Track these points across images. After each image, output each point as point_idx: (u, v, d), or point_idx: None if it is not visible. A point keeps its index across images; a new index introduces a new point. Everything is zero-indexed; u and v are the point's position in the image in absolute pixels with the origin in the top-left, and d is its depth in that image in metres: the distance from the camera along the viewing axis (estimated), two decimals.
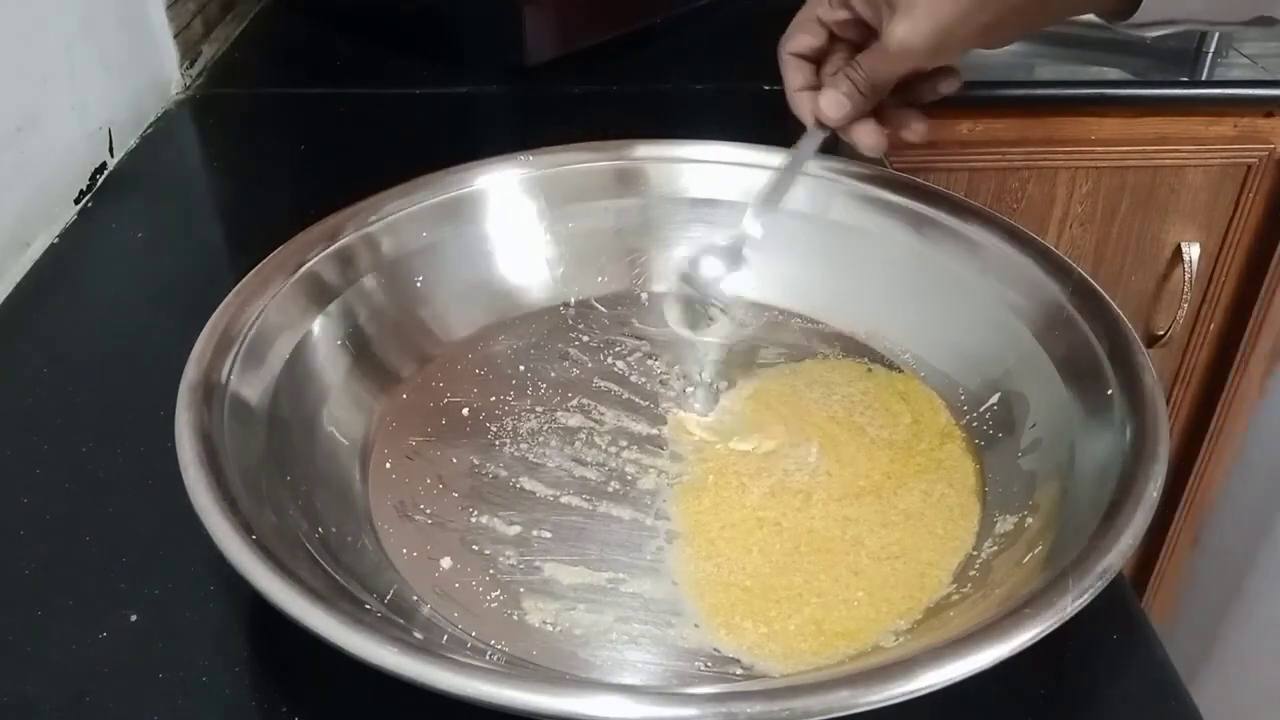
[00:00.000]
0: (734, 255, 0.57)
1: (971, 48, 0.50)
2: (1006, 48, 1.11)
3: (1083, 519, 0.44)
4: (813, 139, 0.56)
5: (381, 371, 0.58)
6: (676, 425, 0.57)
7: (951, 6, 0.47)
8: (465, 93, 0.93)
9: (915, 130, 0.54)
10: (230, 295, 0.53)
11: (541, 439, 0.56)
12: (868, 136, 0.54)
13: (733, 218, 0.64)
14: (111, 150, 0.81)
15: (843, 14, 0.51)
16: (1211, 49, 1.06)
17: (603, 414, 0.58)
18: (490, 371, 0.60)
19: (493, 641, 0.45)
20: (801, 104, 0.55)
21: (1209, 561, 1.05)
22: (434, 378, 0.59)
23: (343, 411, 0.55)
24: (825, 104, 0.53)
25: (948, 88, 0.53)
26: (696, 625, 0.46)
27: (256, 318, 0.52)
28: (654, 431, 0.57)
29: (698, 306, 0.56)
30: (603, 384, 0.60)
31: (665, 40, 1.00)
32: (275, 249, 0.57)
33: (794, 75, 0.54)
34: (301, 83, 0.97)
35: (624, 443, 0.56)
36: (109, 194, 0.78)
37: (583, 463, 0.55)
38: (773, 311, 0.64)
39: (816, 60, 0.55)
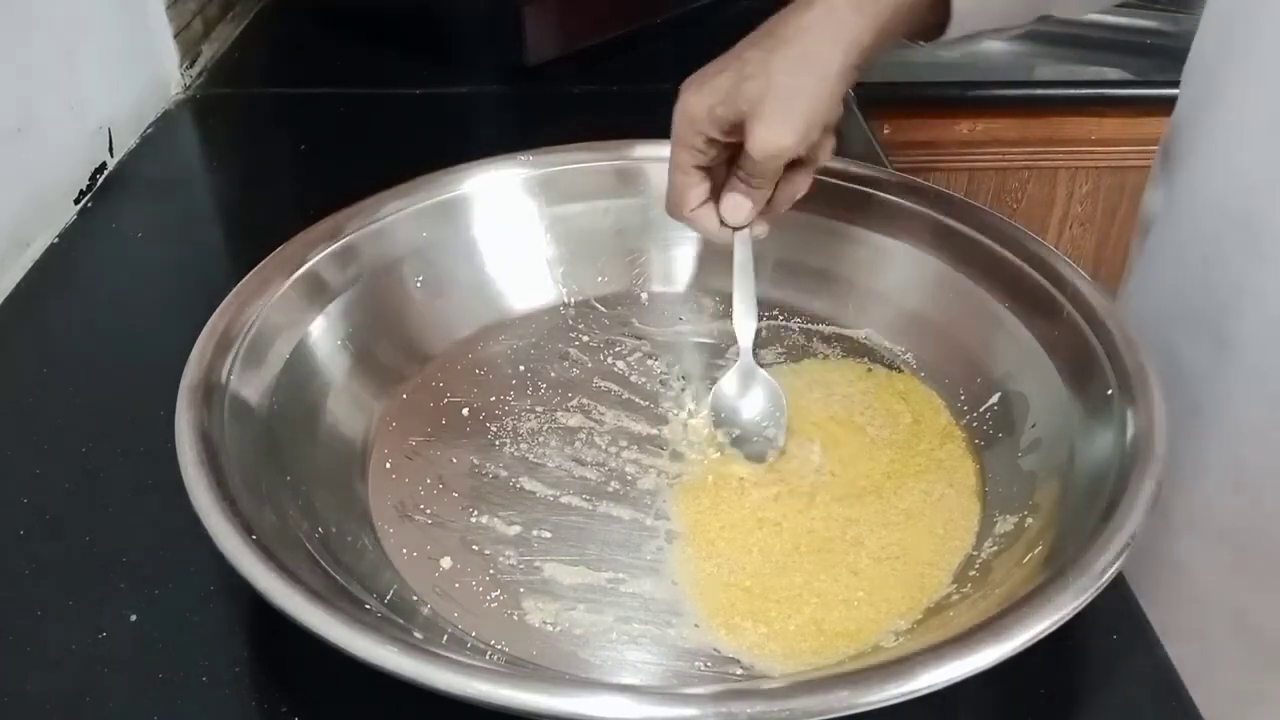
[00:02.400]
0: (750, 374, 0.57)
1: (829, 119, 0.52)
2: (1006, 48, 1.12)
3: (1082, 519, 0.44)
4: (742, 244, 0.56)
5: (381, 371, 0.58)
6: (677, 425, 0.57)
7: (802, 100, 0.50)
8: (465, 93, 0.94)
9: (801, 186, 0.56)
10: (230, 295, 0.53)
11: (541, 439, 0.56)
12: (781, 203, 0.55)
13: None
14: (111, 150, 0.81)
15: (715, 151, 0.53)
16: None
17: (603, 414, 0.58)
18: (490, 371, 0.60)
19: (493, 641, 0.45)
20: (710, 223, 0.55)
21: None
22: (434, 378, 0.59)
23: (343, 411, 0.55)
24: (727, 211, 0.54)
25: (828, 152, 0.55)
26: (696, 625, 0.46)
27: (256, 318, 0.52)
28: (654, 431, 0.57)
29: (755, 439, 0.55)
30: (603, 384, 0.60)
31: (665, 40, 1.00)
32: (275, 249, 0.57)
33: (708, 222, 0.55)
34: (301, 83, 0.97)
35: (624, 443, 0.56)
36: (109, 194, 0.78)
37: (583, 463, 0.55)
38: (773, 311, 0.64)
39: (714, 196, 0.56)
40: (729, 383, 0.57)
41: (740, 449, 0.55)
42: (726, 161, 0.54)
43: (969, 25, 0.53)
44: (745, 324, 0.57)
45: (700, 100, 0.52)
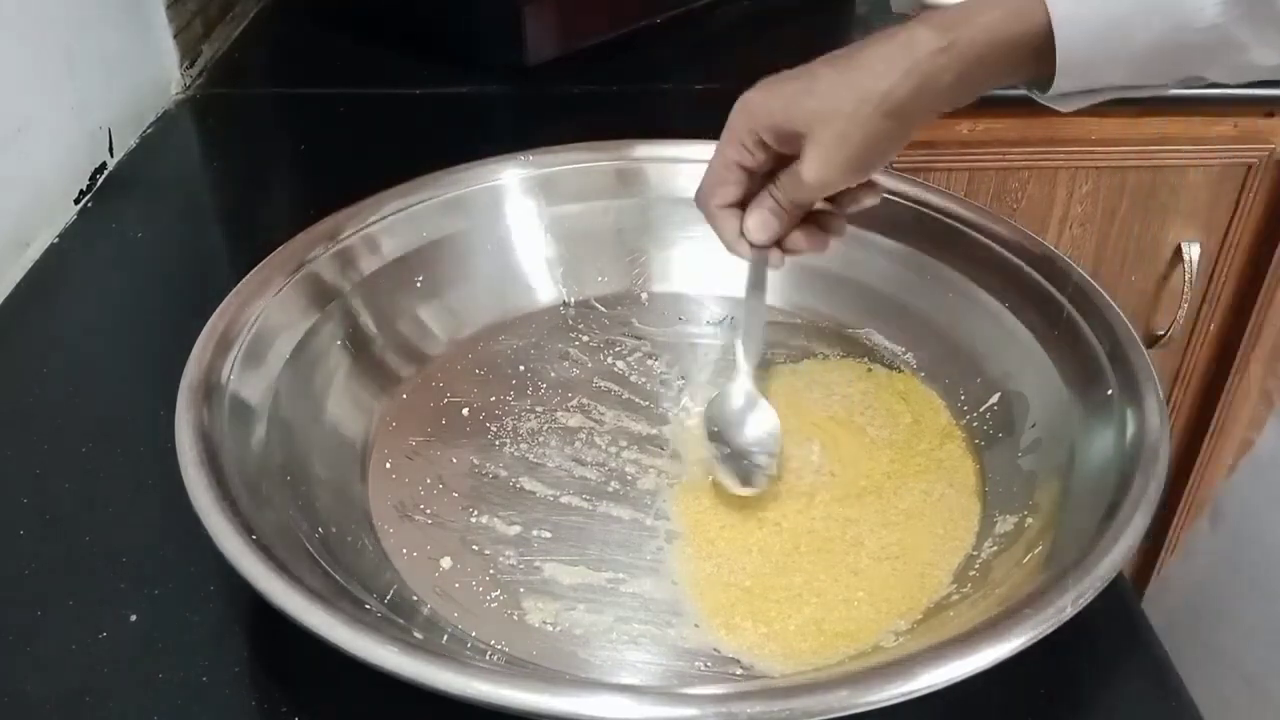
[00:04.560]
0: (751, 401, 0.55)
1: (888, 160, 0.50)
2: None
3: (1083, 519, 0.44)
4: (757, 265, 0.54)
5: (381, 371, 0.58)
6: (677, 425, 0.57)
7: (860, 135, 0.47)
8: (465, 93, 0.93)
9: (837, 229, 0.54)
10: (230, 295, 0.53)
11: (541, 439, 0.56)
12: (807, 243, 0.53)
13: None
14: (111, 150, 0.81)
15: (762, 156, 0.50)
16: None
17: (603, 414, 0.58)
18: (490, 371, 0.60)
19: (493, 641, 0.45)
20: (730, 227, 0.53)
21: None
22: (434, 378, 0.59)
23: (343, 411, 0.55)
24: (752, 226, 0.51)
25: (870, 201, 0.52)
26: (696, 625, 0.46)
27: (256, 318, 0.52)
28: (654, 431, 0.57)
29: (746, 463, 0.53)
30: (603, 384, 0.60)
31: (665, 40, 1.00)
32: (275, 249, 0.57)
33: (728, 225, 0.53)
34: (301, 83, 0.97)
35: (624, 443, 0.56)
36: (109, 194, 0.78)
37: (583, 463, 0.55)
38: (773, 311, 0.64)
39: (743, 204, 0.53)
40: (727, 399, 0.55)
41: (730, 466, 0.53)
42: (767, 174, 0.52)
43: (1083, 80, 0.47)
44: (749, 345, 0.55)
45: (765, 99, 0.49)
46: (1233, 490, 0.65)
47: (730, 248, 0.53)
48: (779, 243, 0.53)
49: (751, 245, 0.52)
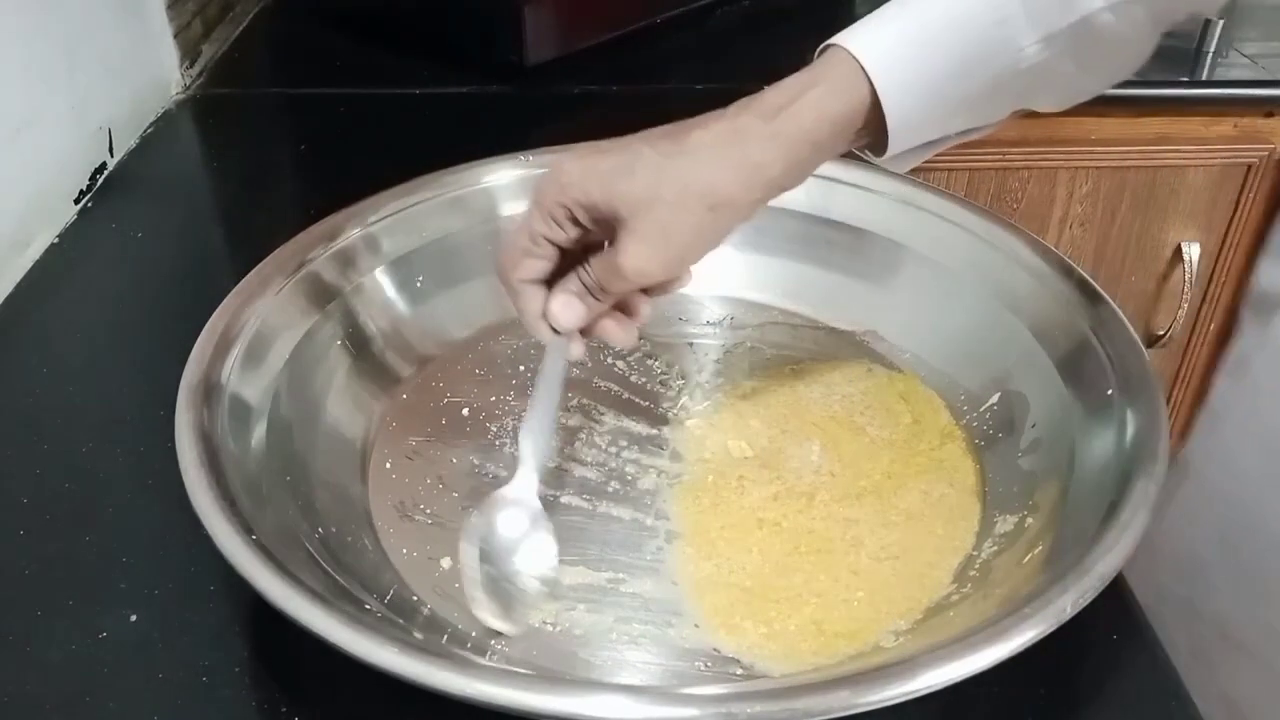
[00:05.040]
0: (533, 518, 0.48)
1: (710, 252, 0.46)
2: None
3: (1083, 519, 0.44)
4: (556, 352, 0.48)
5: (381, 371, 0.58)
6: (677, 425, 0.57)
7: (683, 228, 0.44)
8: (465, 93, 0.94)
9: (642, 314, 0.49)
10: (230, 295, 0.53)
11: None
12: (615, 332, 0.49)
13: None
14: (111, 150, 0.81)
15: (574, 232, 0.46)
16: (1211, 49, 1.06)
17: (603, 414, 0.58)
18: (490, 371, 0.60)
19: (493, 642, 0.45)
20: (533, 304, 0.48)
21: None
22: (434, 378, 0.59)
23: (343, 412, 0.55)
24: (556, 310, 0.47)
25: (680, 287, 0.49)
26: (696, 625, 0.46)
27: (256, 318, 0.52)
28: (654, 431, 0.56)
29: (507, 585, 0.46)
30: (603, 384, 0.60)
31: (665, 40, 1.00)
32: (275, 249, 0.57)
33: (530, 303, 0.47)
34: (301, 83, 0.97)
35: (624, 443, 0.56)
36: (109, 194, 0.78)
37: (583, 463, 0.55)
38: (773, 311, 0.64)
39: (550, 280, 0.48)
40: (503, 513, 0.48)
41: (490, 591, 0.46)
42: (577, 251, 0.47)
43: (919, 135, 0.46)
44: (534, 445, 0.49)
45: (580, 173, 0.45)
46: (1191, 444, 0.66)
47: (530, 328, 0.48)
48: (584, 329, 0.48)
49: (554, 329, 0.48)
